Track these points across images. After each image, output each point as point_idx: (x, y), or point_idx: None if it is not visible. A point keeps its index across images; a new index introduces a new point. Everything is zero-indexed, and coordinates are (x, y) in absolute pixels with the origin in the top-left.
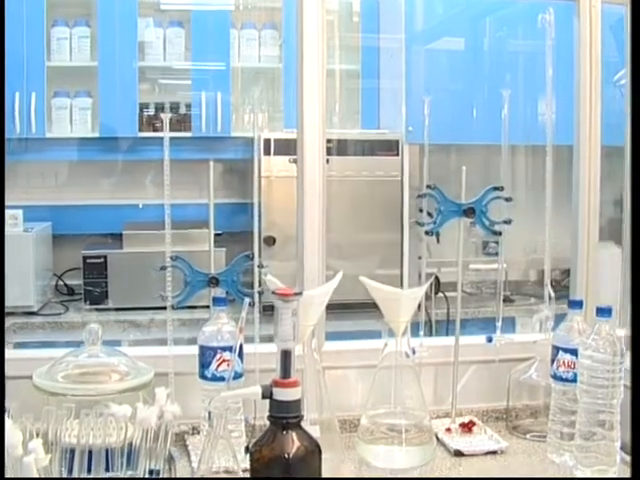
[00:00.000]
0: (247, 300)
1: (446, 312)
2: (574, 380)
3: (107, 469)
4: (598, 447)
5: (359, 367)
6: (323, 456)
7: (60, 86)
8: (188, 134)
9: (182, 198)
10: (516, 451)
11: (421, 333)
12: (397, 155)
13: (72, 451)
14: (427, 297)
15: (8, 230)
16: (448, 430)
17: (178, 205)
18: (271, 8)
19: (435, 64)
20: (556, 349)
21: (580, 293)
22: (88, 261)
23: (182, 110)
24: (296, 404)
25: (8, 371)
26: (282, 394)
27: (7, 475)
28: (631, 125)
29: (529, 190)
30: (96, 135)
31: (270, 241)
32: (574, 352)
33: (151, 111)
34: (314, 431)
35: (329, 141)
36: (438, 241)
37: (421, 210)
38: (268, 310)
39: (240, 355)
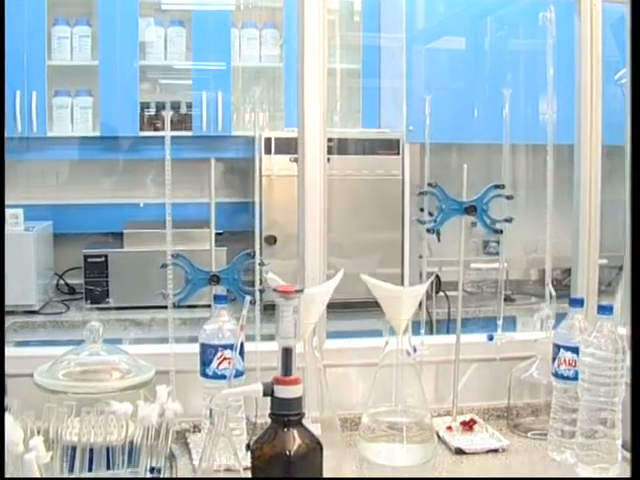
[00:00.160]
0: (248, 298)
1: (447, 311)
2: (575, 378)
3: (108, 467)
4: (599, 445)
5: (360, 365)
6: (324, 454)
7: (61, 85)
8: (189, 133)
9: (183, 197)
10: (517, 449)
11: (422, 331)
12: (398, 154)
13: (73, 449)
14: (428, 296)
15: (9, 229)
16: (449, 428)
17: (179, 204)
18: (272, 8)
19: (436, 63)
20: (557, 347)
21: (581, 292)
22: (89, 260)
23: (183, 109)
24: (297, 401)
25: (9, 369)
26: (283, 391)
27: (8, 472)
28: (631, 125)
29: (530, 189)
30: (97, 134)
31: (271, 240)
32: (575, 350)
33: (152, 111)
34: (315, 429)
35: (330, 140)
36: (439, 240)
37: (422, 209)
38: (269, 309)
39: (241, 353)
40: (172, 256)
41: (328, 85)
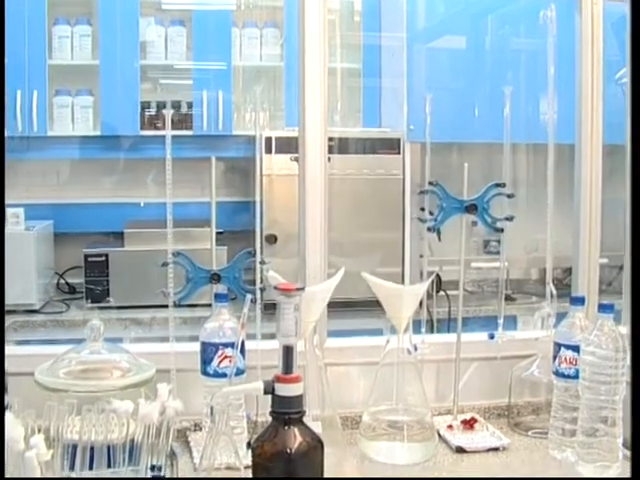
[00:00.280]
0: (249, 296)
1: (447, 311)
2: (576, 377)
3: (109, 465)
4: (600, 443)
5: (361, 364)
6: (325, 452)
7: (62, 84)
8: (189, 132)
9: (183, 196)
10: (518, 448)
11: (423, 330)
12: (398, 153)
13: (74, 447)
14: (428, 295)
15: (10, 228)
16: (450, 427)
17: (179, 203)
18: (272, 7)
19: (436, 62)
20: (558, 346)
21: (582, 291)
22: (89, 259)
23: (184, 109)
24: (298, 399)
25: (10, 368)
26: (284, 389)
27: (8, 470)
28: (631, 124)
29: (530, 189)
30: (98, 133)
31: (271, 239)
32: (576, 349)
33: (152, 111)
34: (316, 427)
35: (331, 139)
36: (439, 239)
37: (423, 209)
38: (269, 308)
39: (242, 351)
40: (173, 254)
41: (329, 84)
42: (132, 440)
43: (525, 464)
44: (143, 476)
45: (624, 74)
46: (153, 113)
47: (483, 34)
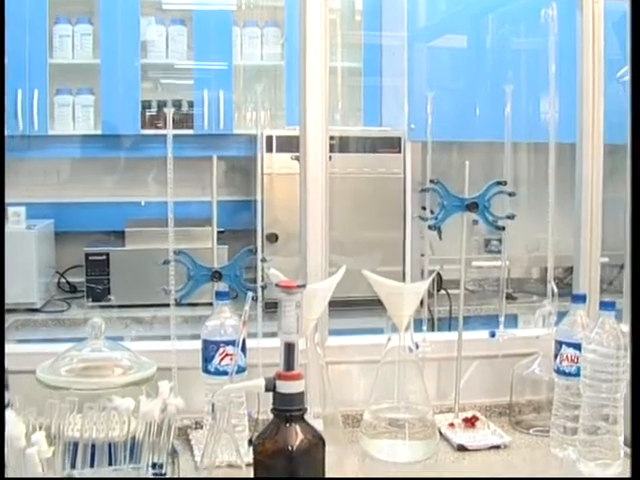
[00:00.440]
0: (250, 294)
1: (448, 310)
2: (577, 374)
3: (110, 463)
4: (602, 441)
5: (362, 362)
6: (326, 450)
7: (62, 83)
8: (190, 131)
9: (184, 196)
10: (519, 446)
11: (424, 328)
12: (399, 152)
13: (75, 445)
14: (429, 294)
15: (11, 227)
16: (451, 425)
17: (180, 203)
18: (273, 7)
19: (437, 61)
20: (559, 344)
21: (583, 290)
22: (90, 258)
23: (184, 108)
24: (300, 397)
25: (11, 366)
26: (286, 387)
27: (10, 466)
28: (631, 123)
29: (531, 188)
30: (98, 132)
31: (272, 238)
32: (577, 346)
33: (153, 111)
34: (317, 425)
35: (331, 138)
36: (440, 238)
37: (424, 208)
38: (270, 307)
39: (243, 349)
40: (174, 252)
41: (329, 83)
42: (133, 438)
43: (526, 462)
44: (144, 473)
45: (625, 73)
46: (154, 113)
47: (484, 33)
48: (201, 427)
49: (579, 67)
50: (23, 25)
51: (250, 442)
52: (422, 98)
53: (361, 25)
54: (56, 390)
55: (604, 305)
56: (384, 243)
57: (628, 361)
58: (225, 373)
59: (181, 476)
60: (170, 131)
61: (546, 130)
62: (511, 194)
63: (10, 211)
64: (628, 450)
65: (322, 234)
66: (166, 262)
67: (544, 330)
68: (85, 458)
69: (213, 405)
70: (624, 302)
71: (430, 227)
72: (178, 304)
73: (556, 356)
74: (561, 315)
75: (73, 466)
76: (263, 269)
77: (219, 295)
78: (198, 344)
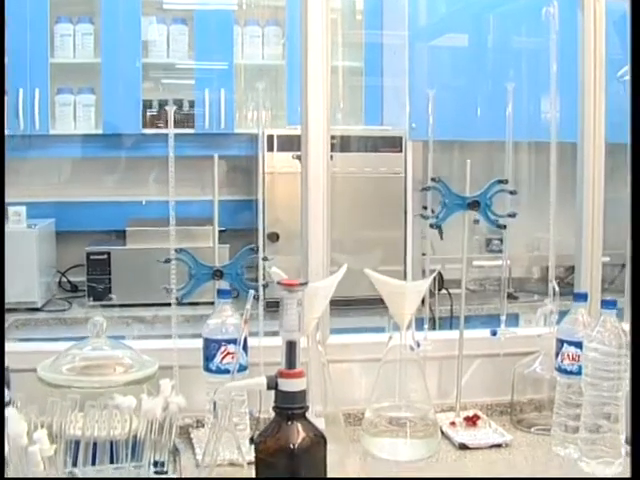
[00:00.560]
0: (252, 292)
1: (449, 309)
2: (579, 373)
3: (112, 461)
4: (603, 440)
5: (363, 360)
6: (328, 448)
7: (64, 83)
8: (191, 131)
9: (185, 195)
10: (520, 444)
11: (426, 326)
12: (400, 151)
13: (77, 443)
14: (430, 294)
15: (12, 227)
16: (452, 424)
17: (181, 202)
18: (274, 6)
19: (438, 60)
20: (561, 342)
21: (584, 289)
22: (92, 257)
23: (185, 108)
24: (301, 395)
25: (12, 364)
26: (287, 385)
27: (12, 464)
28: (631, 122)
29: (532, 187)
30: (99, 132)
31: (274, 237)
32: (579, 345)
33: (154, 111)
34: (319, 423)
35: (332, 137)
36: (441, 237)
37: (425, 207)
38: (272, 306)
39: (245, 347)
40: (175, 251)
41: (331, 83)
42: (135, 436)
43: (528, 461)
44: (146, 472)
45: (626, 72)
46: (155, 113)
47: (485, 32)
48: (202, 426)
49: (580, 66)
50: (24, 24)
51: (252, 440)
52: (423, 97)
53: (362, 24)
54: (57, 388)
55: (605, 303)
56: (385, 242)
57: (629, 360)
58: (227, 372)
59: (183, 474)
60: (172, 130)
61: (547, 129)
62: (512, 192)
63: (11, 210)
64: (629, 448)
65: (323, 233)
66: (167, 260)
67: (545, 329)
68: (87, 456)
69: (215, 403)
70: (625, 301)
71: (432, 226)
72: (179, 303)
73: (557, 354)
74: (562, 314)
75: (75, 464)
76: (264, 268)
77: (221, 293)
78: (200, 342)
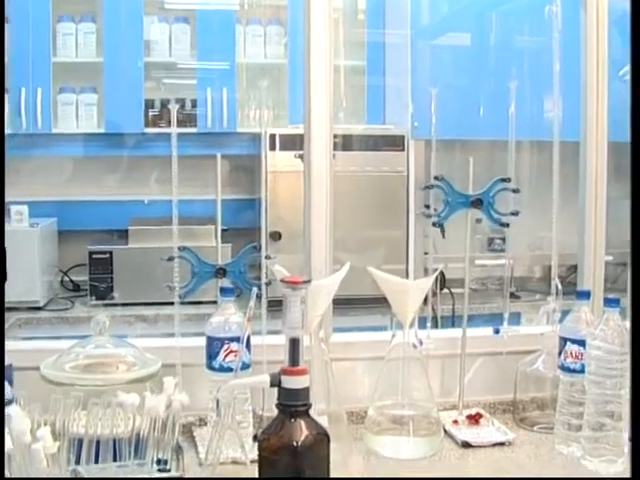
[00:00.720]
0: (255, 289)
1: (451, 308)
2: (582, 371)
3: (115, 459)
4: (606, 438)
5: (366, 359)
6: (331, 446)
7: (66, 82)
8: (194, 130)
9: (187, 194)
10: (523, 442)
11: (428, 325)
12: (402, 150)
13: (80, 441)
14: (433, 293)
15: (14, 226)
16: (455, 422)
17: (183, 201)
18: (276, 5)
19: (441, 60)
20: (563, 340)
21: (587, 287)
22: (94, 257)
23: (187, 107)
24: (304, 392)
25: (16, 362)
26: (291, 382)
27: (15, 461)
28: (631, 123)
29: (534, 187)
30: (102, 131)
31: (276, 236)
32: (582, 343)
33: (156, 111)
34: (322, 421)
35: (334, 136)
36: (443, 236)
37: (427, 206)
38: (274, 305)
39: (248, 346)
40: (178, 249)
41: (333, 82)
42: (138, 434)
43: (531, 459)
44: (149, 469)
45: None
46: (157, 113)
47: (487, 31)
48: (205, 424)
49: (583, 65)
50: (27, 23)
51: (255, 438)
52: (425, 96)
53: (364, 23)
54: (60, 386)
55: (608, 302)
56: (387, 241)
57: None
58: (229, 370)
59: (186, 472)
60: (174, 129)
61: (549, 128)
62: (515, 191)
63: (13, 210)
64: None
65: (326, 231)
66: (170, 258)
67: (548, 327)
68: (90, 454)
69: (218, 401)
70: (628, 300)
71: (434, 224)
72: (182, 301)
73: (560, 353)
74: (564, 314)
75: (78, 462)
76: (267, 266)
77: (224, 291)
78: (202, 341)
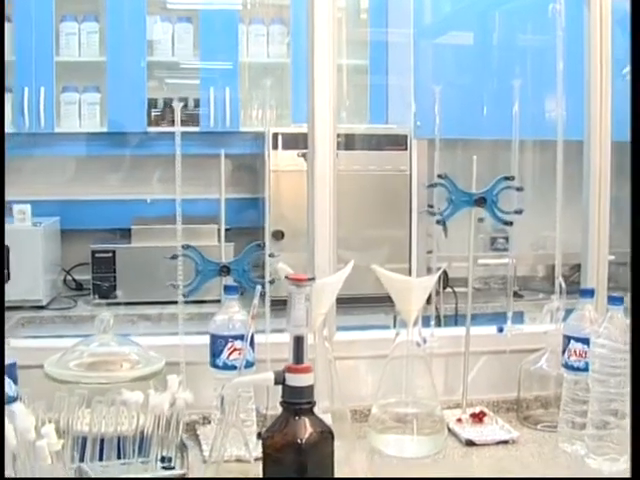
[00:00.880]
0: (259, 287)
1: (454, 307)
2: (586, 369)
3: (119, 456)
4: (610, 436)
5: (370, 357)
6: (334, 444)
7: (69, 81)
8: (196, 129)
9: (189, 193)
10: (527, 441)
11: (432, 323)
12: (405, 149)
13: (84, 439)
14: (435, 292)
15: (17, 225)
16: (459, 420)
17: (185, 200)
18: (279, 5)
19: (443, 59)
20: (567, 338)
21: (591, 286)
22: (97, 255)
23: (190, 106)
24: (309, 390)
25: (19, 360)
26: (295, 380)
27: (20, 458)
28: (631, 123)
29: (537, 186)
30: (104, 130)
31: (278, 235)
32: (586, 341)
33: (158, 111)
34: (326, 419)
35: (337, 136)
36: (446, 235)
37: (431, 206)
38: (277, 304)
39: (252, 344)
40: (182, 247)
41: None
42: (142, 432)
43: (535, 457)
44: (153, 467)
45: None
46: (159, 113)
47: (490, 30)
48: (209, 422)
49: (586, 64)
50: (30, 23)
51: (259, 436)
52: (428, 95)
53: (367, 23)
54: (65, 384)
55: (612, 300)
56: (390, 240)
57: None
58: (233, 368)
59: (190, 469)
60: (178, 128)
61: (552, 128)
62: (519, 189)
63: (16, 209)
64: None
65: (330, 230)
66: (174, 256)
67: (552, 325)
68: (94, 452)
69: (222, 398)
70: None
71: (438, 222)
72: (185, 300)
73: (564, 351)
74: (568, 312)
75: (82, 459)
76: (271, 265)
77: (228, 289)
78: (206, 339)
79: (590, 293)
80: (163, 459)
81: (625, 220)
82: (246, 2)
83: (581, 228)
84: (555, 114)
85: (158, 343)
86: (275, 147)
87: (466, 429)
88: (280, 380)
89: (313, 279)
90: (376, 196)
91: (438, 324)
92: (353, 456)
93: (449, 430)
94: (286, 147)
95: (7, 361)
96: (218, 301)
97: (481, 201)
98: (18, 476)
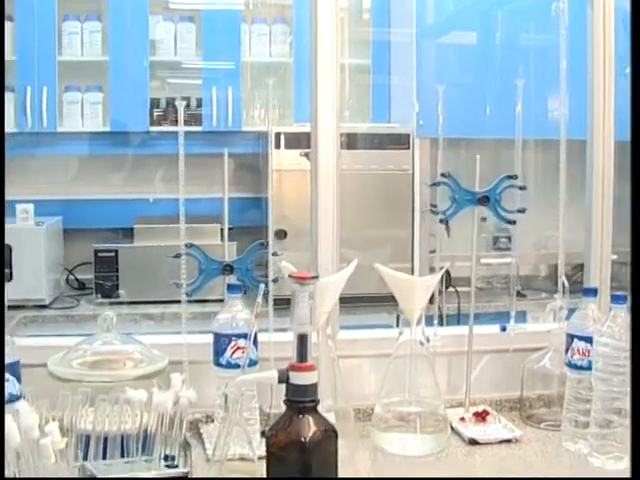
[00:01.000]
0: (262, 286)
1: (457, 306)
2: (589, 368)
3: (122, 455)
4: (613, 435)
5: (373, 356)
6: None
7: (71, 80)
8: (199, 128)
9: (191, 192)
10: (530, 439)
11: (435, 322)
12: (408, 149)
13: (87, 437)
14: (439, 291)
15: (20, 224)
16: (462, 419)
17: (188, 199)
18: (281, 5)
19: (446, 58)
20: (570, 337)
21: (594, 285)
22: (99, 255)
23: (193, 106)
24: (312, 388)
25: (23, 359)
26: (298, 378)
27: (24, 456)
28: (631, 123)
29: (540, 186)
30: (107, 129)
31: (281, 234)
32: (589, 340)
33: (161, 111)
34: (329, 418)
35: (340, 135)
36: (448, 234)
37: (433, 205)
38: (281, 303)
39: (255, 342)
40: (186, 246)
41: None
42: (145, 430)
43: (538, 456)
44: (156, 465)
45: None
46: (161, 113)
47: (493, 29)
48: (212, 421)
49: (590, 63)
50: (32, 22)
51: (263, 434)
52: (431, 95)
53: (369, 22)
54: (68, 383)
55: (615, 298)
56: (393, 240)
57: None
58: (237, 366)
59: (193, 467)
60: (182, 127)
61: (555, 127)
62: (522, 188)
63: (19, 208)
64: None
65: (333, 229)
66: (178, 255)
67: (555, 324)
68: (97, 450)
69: (226, 397)
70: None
71: (441, 221)
72: (188, 300)
73: (567, 350)
74: (570, 311)
75: (85, 458)
76: (274, 263)
77: (231, 288)
78: (209, 338)
79: (593, 292)
80: (166, 457)
81: (628, 220)
82: (248, 2)
83: (584, 227)
84: (558, 113)
85: (161, 342)
86: (278, 146)
87: (469, 428)
88: (284, 378)
89: (317, 277)
90: (379, 195)
91: (441, 323)
92: (357, 454)
93: (452, 429)
94: (289, 146)
95: (11, 359)
96: (221, 300)
97: (484, 200)
98: (22, 474)
